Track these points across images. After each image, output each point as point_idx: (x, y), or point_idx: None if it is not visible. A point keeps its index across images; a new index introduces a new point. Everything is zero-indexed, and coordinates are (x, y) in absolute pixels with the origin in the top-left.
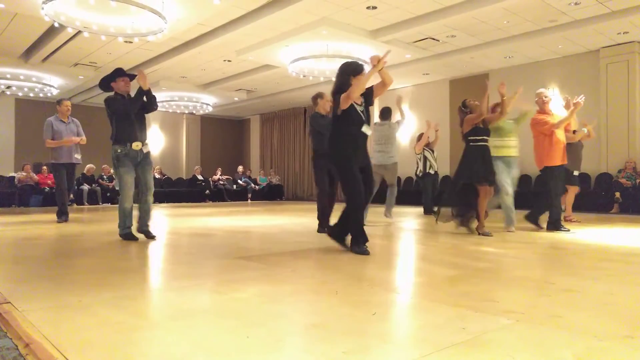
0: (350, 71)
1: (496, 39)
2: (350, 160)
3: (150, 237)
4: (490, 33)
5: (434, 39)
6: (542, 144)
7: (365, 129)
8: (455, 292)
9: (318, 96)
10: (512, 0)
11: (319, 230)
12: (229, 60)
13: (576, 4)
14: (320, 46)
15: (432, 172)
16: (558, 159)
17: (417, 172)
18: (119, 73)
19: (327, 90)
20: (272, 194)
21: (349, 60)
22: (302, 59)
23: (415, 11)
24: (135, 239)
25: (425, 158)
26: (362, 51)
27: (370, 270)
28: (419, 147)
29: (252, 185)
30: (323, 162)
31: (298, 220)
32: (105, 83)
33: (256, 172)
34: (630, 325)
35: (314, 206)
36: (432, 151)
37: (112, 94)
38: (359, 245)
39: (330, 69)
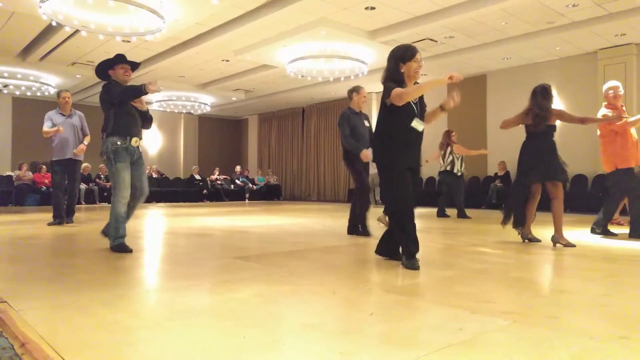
0: (398, 56)
1: (494, 40)
2: (396, 162)
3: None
4: (489, 34)
5: (432, 39)
6: (613, 143)
7: (416, 123)
8: (452, 293)
9: (354, 90)
10: (510, 1)
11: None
12: (227, 60)
13: (574, 5)
14: (318, 46)
15: (459, 174)
16: (633, 159)
17: (448, 168)
18: (118, 60)
19: (325, 90)
20: (269, 194)
21: (400, 45)
22: (300, 59)
23: (413, 12)
24: (129, 250)
25: (461, 158)
26: (361, 52)
27: (368, 271)
28: (461, 150)
29: (250, 185)
30: (359, 161)
31: (296, 221)
32: (102, 70)
33: (254, 172)
34: (626, 326)
35: (312, 206)
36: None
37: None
38: (410, 257)
39: (328, 69)
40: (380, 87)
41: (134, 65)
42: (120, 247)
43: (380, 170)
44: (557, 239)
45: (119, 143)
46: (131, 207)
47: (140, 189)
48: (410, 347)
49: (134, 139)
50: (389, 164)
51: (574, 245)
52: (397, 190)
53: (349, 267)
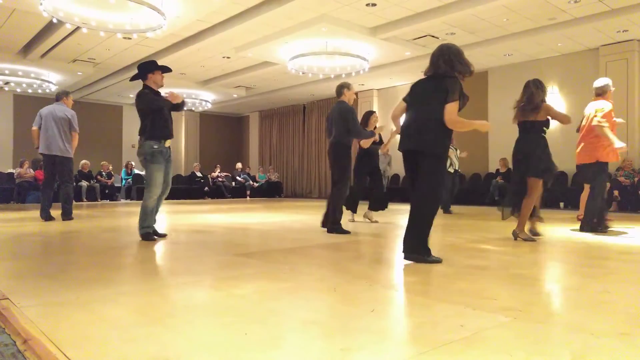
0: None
1: (496, 36)
2: (447, 152)
3: (160, 235)
4: (490, 31)
5: (433, 36)
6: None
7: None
8: (453, 289)
9: (345, 86)
10: None
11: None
12: (228, 57)
13: (575, 2)
14: (319, 43)
15: (451, 170)
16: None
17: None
18: (160, 67)
19: (326, 87)
20: (270, 191)
21: (449, 43)
22: (301, 56)
23: (414, 8)
24: (153, 239)
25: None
26: (362, 48)
27: (369, 267)
28: None
29: (251, 182)
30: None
31: (297, 218)
32: (143, 73)
33: (255, 169)
34: (626, 322)
35: (313, 203)
36: (455, 149)
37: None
38: (428, 254)
39: (329, 66)
40: (381, 84)
41: (165, 70)
42: (146, 236)
43: (436, 160)
44: (516, 233)
45: (155, 147)
46: (159, 199)
47: (166, 183)
48: (411, 344)
49: (167, 141)
50: (443, 154)
51: (533, 240)
52: (442, 183)
53: (350, 264)
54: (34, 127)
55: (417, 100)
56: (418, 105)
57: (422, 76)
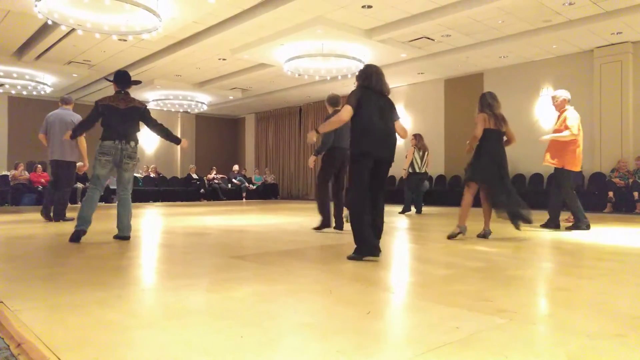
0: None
1: (491, 38)
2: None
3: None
4: (485, 33)
5: (429, 38)
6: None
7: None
8: (449, 291)
9: (342, 97)
10: (507, 0)
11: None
12: (224, 59)
13: (570, 4)
14: (315, 45)
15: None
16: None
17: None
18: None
19: (322, 89)
20: (267, 193)
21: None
22: (297, 58)
23: (410, 10)
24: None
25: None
26: (358, 50)
27: (365, 269)
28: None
29: (247, 184)
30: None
31: (293, 220)
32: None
33: (251, 171)
34: (622, 323)
35: (309, 205)
36: (420, 150)
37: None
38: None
39: (325, 68)
40: None
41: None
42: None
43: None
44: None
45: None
46: (120, 202)
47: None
48: (407, 346)
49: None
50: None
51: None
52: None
53: (345, 266)
54: (41, 134)
55: (384, 114)
56: (386, 119)
57: (417, 78)
